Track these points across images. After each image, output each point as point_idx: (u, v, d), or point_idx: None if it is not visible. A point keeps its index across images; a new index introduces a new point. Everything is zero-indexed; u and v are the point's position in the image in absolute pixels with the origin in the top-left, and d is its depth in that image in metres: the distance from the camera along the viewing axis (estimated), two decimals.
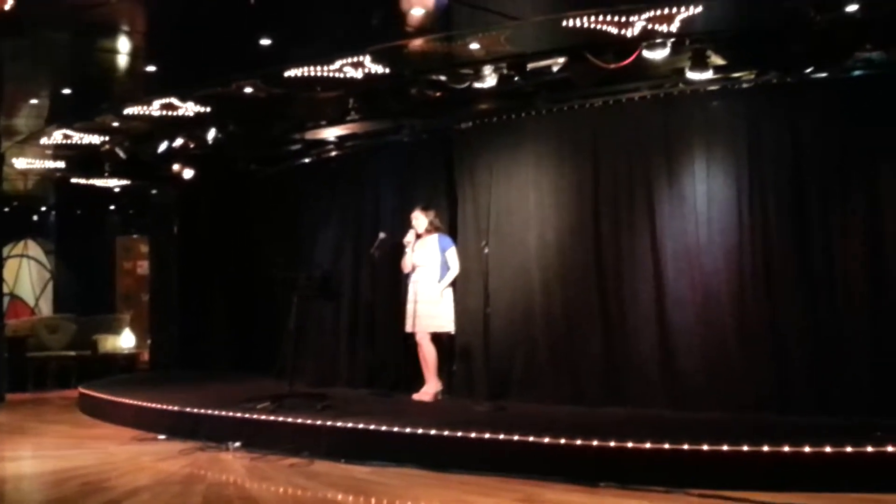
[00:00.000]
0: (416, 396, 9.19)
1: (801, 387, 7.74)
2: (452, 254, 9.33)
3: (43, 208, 18.59)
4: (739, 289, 8.11)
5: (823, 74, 7.89)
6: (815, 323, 7.77)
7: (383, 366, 10.43)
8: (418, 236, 9.40)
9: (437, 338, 9.28)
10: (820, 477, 5.84)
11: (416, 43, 8.10)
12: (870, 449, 5.85)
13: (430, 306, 9.18)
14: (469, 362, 9.54)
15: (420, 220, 9.39)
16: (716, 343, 8.16)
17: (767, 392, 7.86)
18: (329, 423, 7.70)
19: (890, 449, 5.80)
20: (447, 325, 9.27)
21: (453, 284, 9.39)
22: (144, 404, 9.51)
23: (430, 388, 9.19)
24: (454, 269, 9.29)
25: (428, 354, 9.21)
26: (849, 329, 7.62)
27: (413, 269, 9.35)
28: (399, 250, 9.55)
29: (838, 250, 7.74)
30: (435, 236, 9.39)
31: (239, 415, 8.37)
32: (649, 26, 7.34)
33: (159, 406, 9.27)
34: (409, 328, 9.31)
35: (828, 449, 5.89)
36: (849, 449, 5.87)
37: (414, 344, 9.33)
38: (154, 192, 14.88)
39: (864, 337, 7.55)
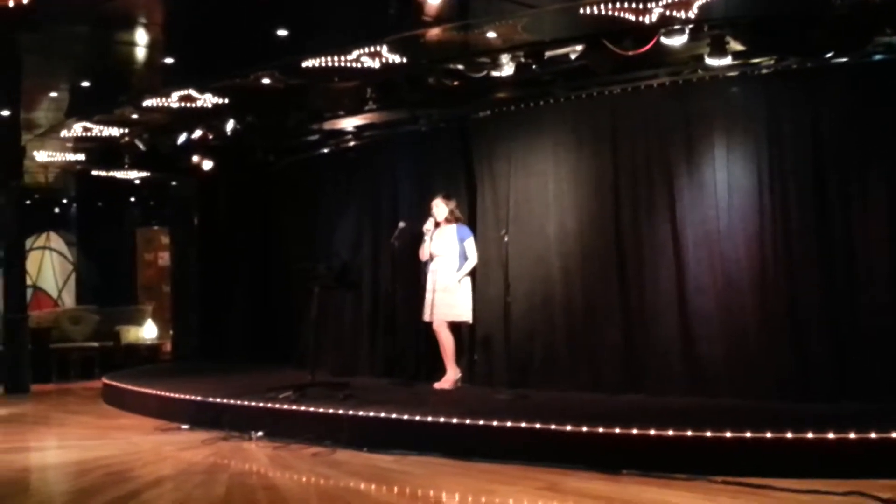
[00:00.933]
0: (436, 385, 9.20)
1: (823, 373, 7.71)
2: (471, 244, 9.31)
3: (64, 201, 18.71)
4: (760, 275, 8.08)
5: (843, 59, 7.81)
6: (835, 309, 7.73)
7: (403, 355, 10.46)
8: (437, 225, 9.38)
9: (454, 327, 9.28)
10: (843, 463, 5.81)
11: (434, 32, 8.10)
12: (894, 435, 5.80)
13: (448, 295, 9.17)
14: (490, 350, 9.56)
15: (440, 208, 9.36)
16: (736, 330, 8.14)
17: (788, 378, 7.83)
18: (351, 412, 7.73)
19: None
20: (465, 314, 9.27)
21: (472, 274, 9.39)
22: (167, 394, 9.58)
23: (450, 376, 9.20)
24: (472, 260, 9.28)
25: (446, 343, 9.21)
26: (870, 315, 7.57)
27: (431, 257, 9.33)
28: (418, 239, 9.54)
29: (859, 236, 7.70)
30: (454, 226, 9.36)
31: (262, 404, 8.41)
32: (667, 13, 7.30)
33: (182, 396, 9.34)
34: (426, 317, 9.31)
35: (852, 435, 5.86)
36: (873, 435, 5.84)
37: (433, 333, 9.34)
38: (174, 183, 14.98)
39: (885, 323, 7.49)
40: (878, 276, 7.59)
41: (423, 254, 9.41)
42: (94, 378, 13.32)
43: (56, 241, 18.62)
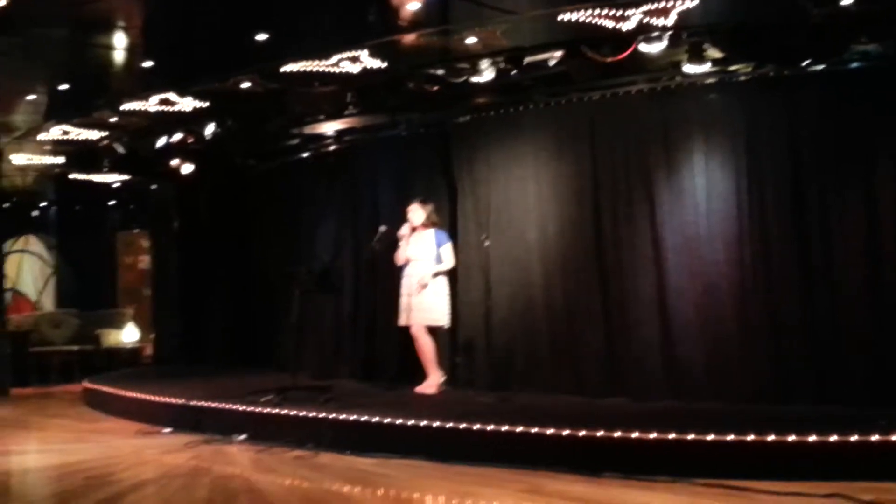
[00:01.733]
0: (418, 389, 9.18)
1: (801, 377, 7.80)
2: (447, 250, 9.29)
3: (43, 204, 18.57)
4: (739, 280, 8.17)
5: (820, 67, 7.91)
6: (813, 313, 7.83)
7: (384, 358, 10.48)
8: (414, 230, 9.36)
9: (432, 331, 9.26)
10: (825, 466, 5.87)
11: (413, 37, 8.13)
12: (875, 437, 5.88)
13: (425, 299, 9.15)
14: (471, 354, 9.60)
15: (417, 213, 9.33)
16: (716, 334, 8.23)
17: (767, 382, 7.92)
18: (333, 415, 7.75)
19: (895, 437, 5.84)
20: (441, 318, 9.23)
21: (452, 279, 9.41)
22: (149, 398, 9.56)
23: (433, 380, 9.19)
24: (447, 264, 9.25)
25: (425, 347, 9.18)
26: (847, 319, 7.68)
27: (407, 262, 9.32)
28: (398, 244, 9.55)
29: (837, 241, 7.80)
30: (431, 231, 9.33)
31: (243, 407, 8.42)
32: (646, 20, 7.37)
33: (164, 399, 9.32)
34: (402, 321, 9.26)
35: (833, 438, 5.92)
36: (854, 437, 5.90)
37: (411, 337, 9.33)
38: (153, 187, 14.91)
39: (862, 327, 7.60)
40: (855, 280, 7.69)
41: (399, 258, 9.39)
42: (74, 382, 13.23)
43: (35, 244, 18.48)
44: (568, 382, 8.94)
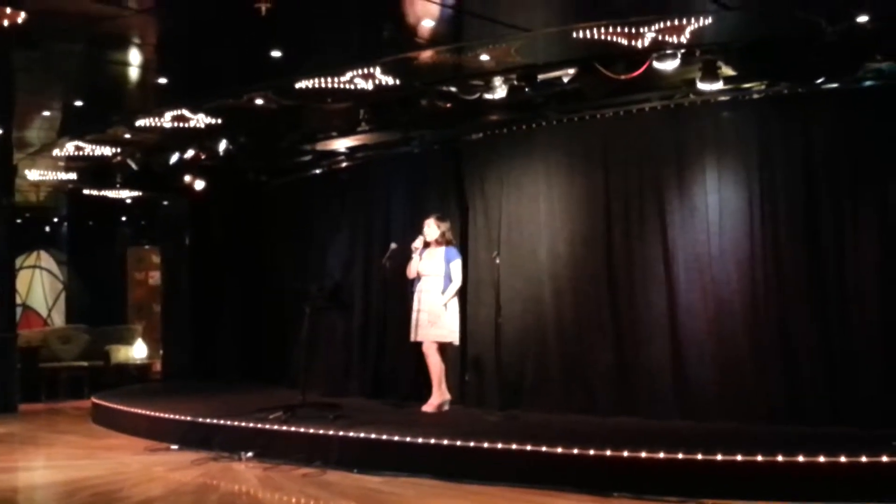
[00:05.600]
0: (423, 408, 9.12)
1: (813, 397, 7.72)
2: (457, 266, 9.23)
3: (55, 219, 18.66)
4: (751, 299, 8.11)
5: (834, 85, 7.88)
6: (826, 333, 7.76)
7: (394, 376, 10.45)
8: (427, 245, 9.34)
9: (441, 348, 9.22)
10: (834, 487, 5.81)
11: (427, 54, 8.13)
12: (885, 459, 5.82)
13: (434, 316, 9.11)
14: (481, 372, 9.55)
15: (432, 228, 9.29)
16: (727, 353, 8.16)
17: (779, 402, 7.85)
18: (341, 433, 7.72)
19: None
20: (450, 335, 9.18)
21: (462, 295, 9.37)
22: (157, 414, 9.54)
23: (435, 400, 9.10)
24: (456, 282, 9.18)
25: (433, 366, 9.13)
26: (861, 340, 7.60)
27: (418, 276, 9.29)
28: (410, 261, 9.52)
29: (850, 261, 7.73)
30: (443, 248, 9.29)
31: (251, 425, 8.38)
32: (659, 37, 7.35)
33: (172, 416, 9.30)
34: (413, 337, 9.24)
35: (843, 459, 5.87)
36: (864, 459, 5.84)
37: (422, 353, 9.28)
38: (165, 203, 14.94)
39: (876, 348, 7.52)
40: (869, 300, 7.61)
41: (410, 272, 9.36)
42: (83, 398, 13.23)
43: (46, 259, 18.54)
44: (578, 400, 8.88)
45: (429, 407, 9.10)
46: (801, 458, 5.94)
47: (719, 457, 6.09)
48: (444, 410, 9.14)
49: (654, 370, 8.51)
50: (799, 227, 7.97)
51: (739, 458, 6.04)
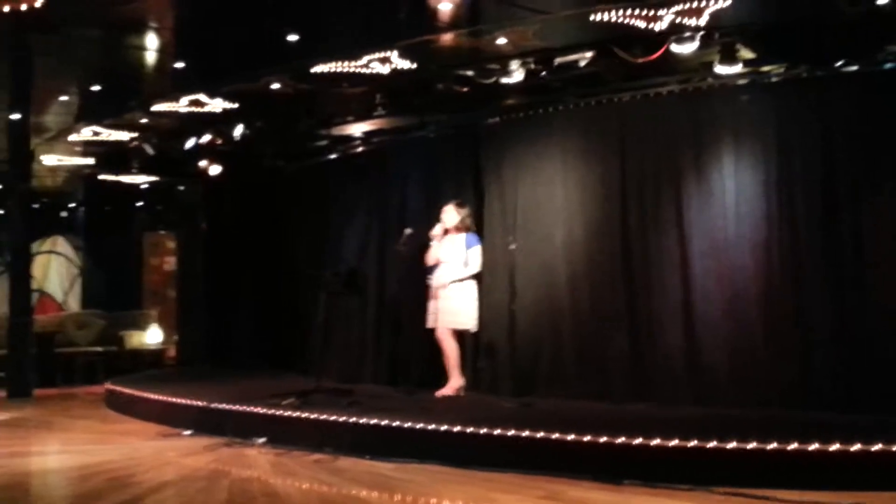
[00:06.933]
0: (438, 393, 9.13)
1: (829, 384, 7.63)
2: (476, 252, 9.21)
3: (72, 205, 18.75)
4: (767, 284, 8.03)
5: (854, 68, 7.78)
6: (843, 319, 7.66)
7: (409, 362, 10.38)
8: (446, 231, 9.31)
9: (458, 334, 9.21)
10: (847, 475, 5.73)
11: (444, 38, 8.09)
12: None
13: (451, 302, 9.09)
14: (495, 358, 9.50)
15: (451, 214, 9.27)
16: (743, 339, 8.09)
17: (794, 389, 7.77)
18: (354, 419, 7.68)
19: None
20: (468, 322, 9.17)
21: (479, 282, 9.32)
22: (171, 400, 9.53)
23: (453, 384, 9.14)
24: (473, 267, 9.17)
25: (449, 351, 9.15)
26: (878, 326, 7.49)
27: (437, 263, 9.28)
28: (425, 246, 9.45)
29: (869, 246, 7.62)
30: (463, 234, 9.27)
31: (264, 410, 8.36)
32: (678, 20, 7.30)
33: (185, 402, 9.28)
34: (430, 324, 9.26)
35: (856, 447, 5.78)
36: (878, 447, 5.76)
37: (438, 340, 9.28)
38: (181, 188, 14.97)
39: (893, 335, 7.41)
40: (887, 286, 7.50)
41: (429, 259, 9.34)
42: (98, 383, 13.26)
43: (63, 245, 18.60)
44: (592, 388, 8.82)
45: (448, 390, 9.11)
46: (815, 446, 5.85)
47: (731, 444, 6.01)
48: (459, 395, 9.12)
49: (670, 356, 8.45)
50: (817, 212, 7.87)
51: (751, 445, 5.96)
